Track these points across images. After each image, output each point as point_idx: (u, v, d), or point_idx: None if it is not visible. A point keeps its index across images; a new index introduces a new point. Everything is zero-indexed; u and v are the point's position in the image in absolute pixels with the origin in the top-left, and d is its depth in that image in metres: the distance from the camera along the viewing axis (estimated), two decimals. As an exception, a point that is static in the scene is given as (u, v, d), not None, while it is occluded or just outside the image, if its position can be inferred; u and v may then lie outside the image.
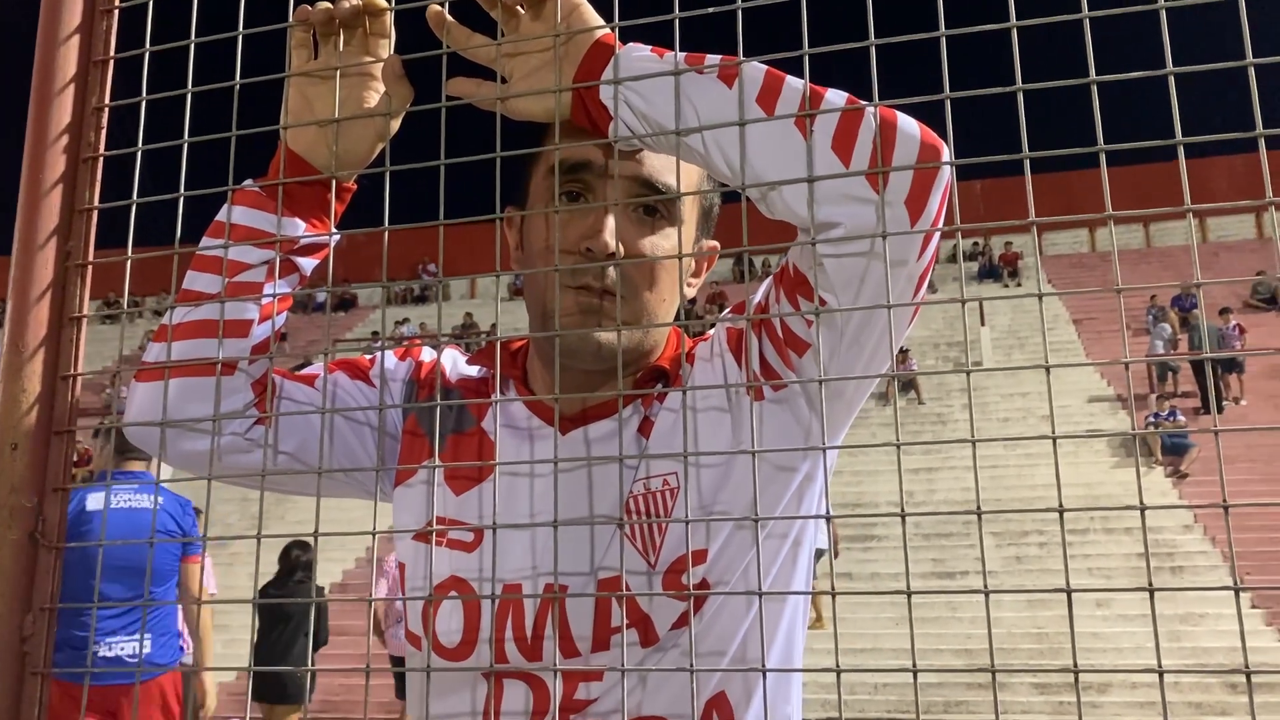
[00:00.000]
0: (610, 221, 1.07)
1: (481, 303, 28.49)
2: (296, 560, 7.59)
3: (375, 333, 24.77)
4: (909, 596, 0.81)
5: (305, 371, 1.20)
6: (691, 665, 0.79)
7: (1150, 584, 0.80)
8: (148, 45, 1.10)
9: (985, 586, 0.80)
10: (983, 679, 11.40)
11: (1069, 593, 0.85)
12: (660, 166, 1.11)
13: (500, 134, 0.94)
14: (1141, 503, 0.82)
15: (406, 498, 1.17)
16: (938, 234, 0.95)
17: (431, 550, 1.12)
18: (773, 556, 1.08)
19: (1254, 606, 12.17)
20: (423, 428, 1.19)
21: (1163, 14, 0.85)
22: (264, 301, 1.08)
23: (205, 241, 1.10)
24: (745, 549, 1.07)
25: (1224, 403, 17.64)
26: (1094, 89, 0.85)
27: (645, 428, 1.12)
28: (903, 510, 0.82)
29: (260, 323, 1.09)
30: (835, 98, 0.93)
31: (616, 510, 1.07)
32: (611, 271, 1.07)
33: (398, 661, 8.37)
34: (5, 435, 1.01)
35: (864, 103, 0.90)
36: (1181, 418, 16.88)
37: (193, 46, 1.09)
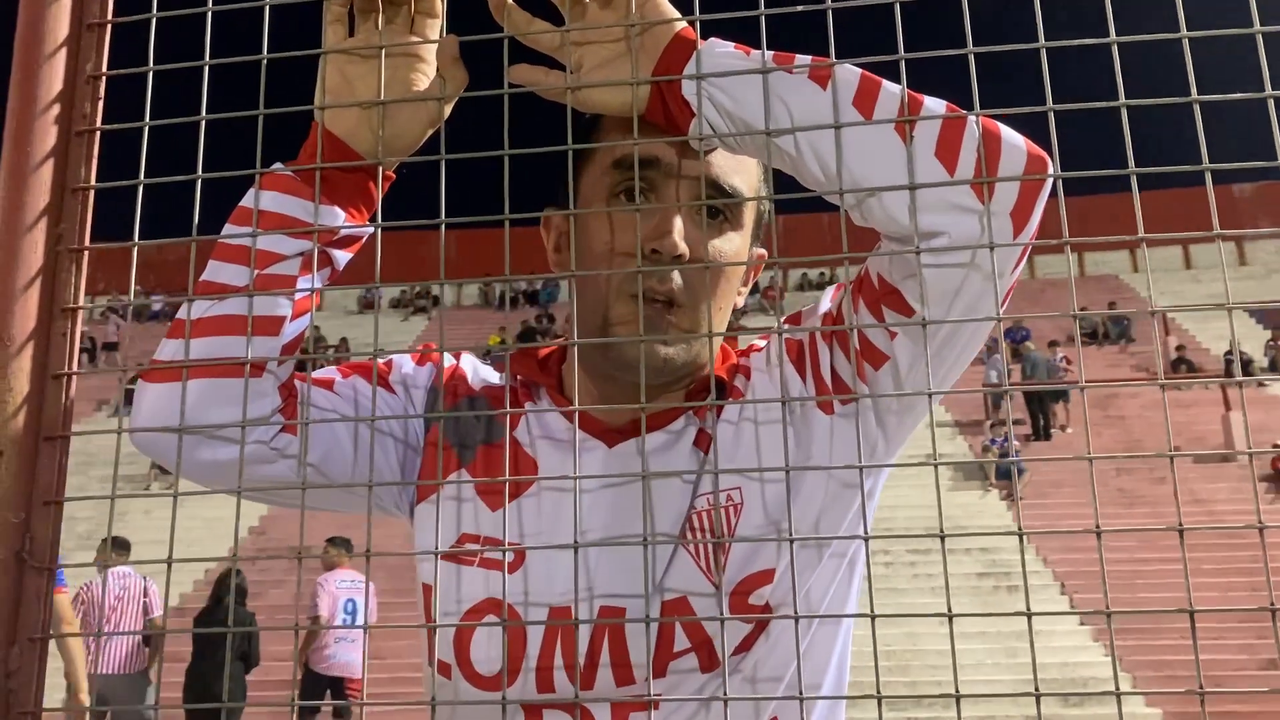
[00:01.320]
0: (679, 222, 1.01)
1: (329, 315, 27.65)
2: (230, 586, 7.62)
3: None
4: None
5: (319, 375, 1.10)
6: (799, 691, 0.74)
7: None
8: (154, 11, 1.00)
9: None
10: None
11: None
12: (728, 167, 1.06)
13: (533, 128, 0.88)
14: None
15: (431, 514, 1.08)
16: (1030, 248, 0.94)
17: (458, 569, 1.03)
18: (831, 576, 1.05)
19: (1082, 623, 12.87)
20: (449, 438, 1.10)
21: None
22: (297, 296, 0.98)
23: (229, 228, 0.99)
24: (808, 569, 1.03)
25: (1053, 430, 18.67)
26: (1197, 108, 0.86)
27: (702, 440, 1.06)
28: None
29: (293, 319, 0.99)
30: (935, 104, 0.91)
31: (676, 528, 1.02)
32: (677, 276, 1.02)
33: (326, 682, 8.14)
34: (-10, 441, 0.89)
35: (965, 111, 0.88)
36: (1016, 444, 17.76)
37: (209, 15, 0.99)
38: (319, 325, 25.09)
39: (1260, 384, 20.03)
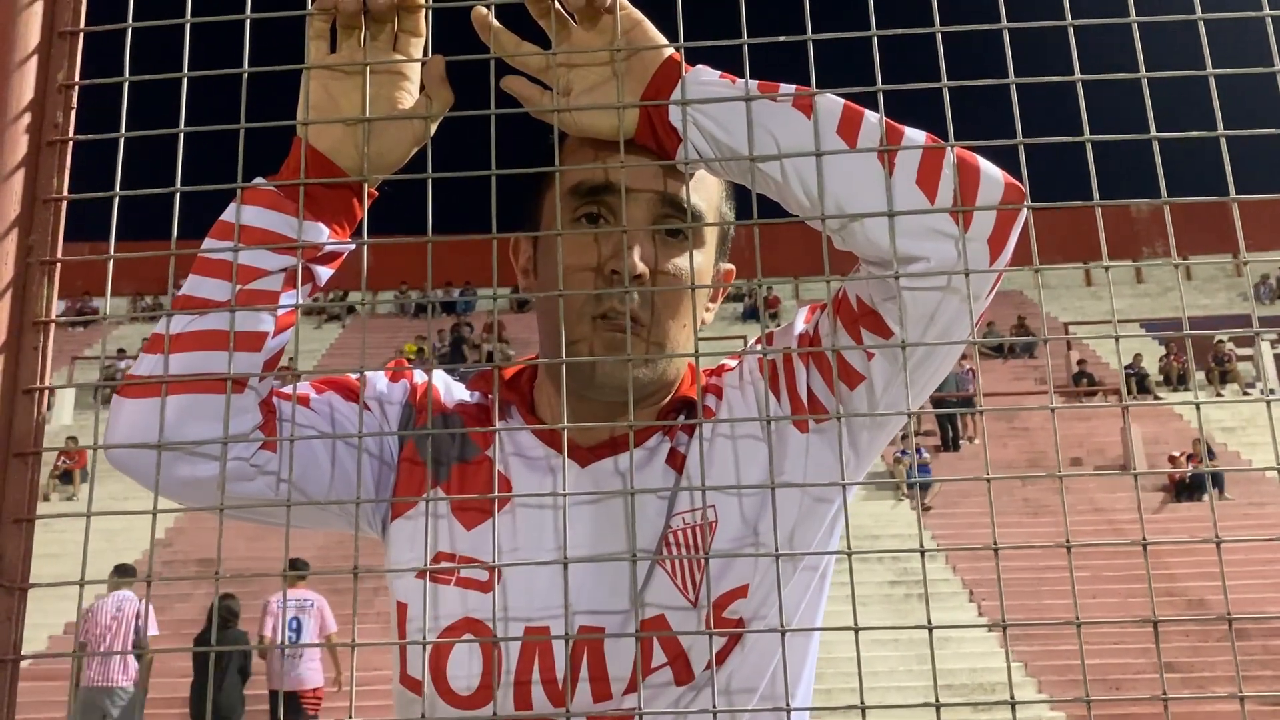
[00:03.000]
0: (636, 244, 1.03)
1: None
2: (225, 610, 8.51)
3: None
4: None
5: (295, 392, 1.09)
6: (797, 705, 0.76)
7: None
8: (130, 19, 0.98)
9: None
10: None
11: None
12: (688, 186, 1.08)
13: (501, 151, 0.89)
14: (921, 545, 0.87)
15: (406, 531, 1.08)
16: (1003, 274, 0.98)
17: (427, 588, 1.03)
18: (804, 590, 1.07)
19: (990, 630, 13.20)
20: (422, 455, 1.10)
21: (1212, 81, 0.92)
22: (280, 312, 0.97)
23: (210, 243, 0.98)
24: (784, 582, 1.05)
25: (961, 440, 19.14)
26: (1155, 144, 0.91)
27: (675, 459, 1.08)
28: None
29: (275, 335, 0.98)
30: (915, 135, 0.94)
31: (653, 545, 1.03)
32: (637, 296, 1.03)
33: (285, 698, 8.73)
34: (-39, 458, 0.87)
35: (944, 142, 0.92)
36: (926, 454, 18.17)
37: (188, 27, 0.98)
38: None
39: (1157, 398, 20.83)
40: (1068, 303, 27.92)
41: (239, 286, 0.95)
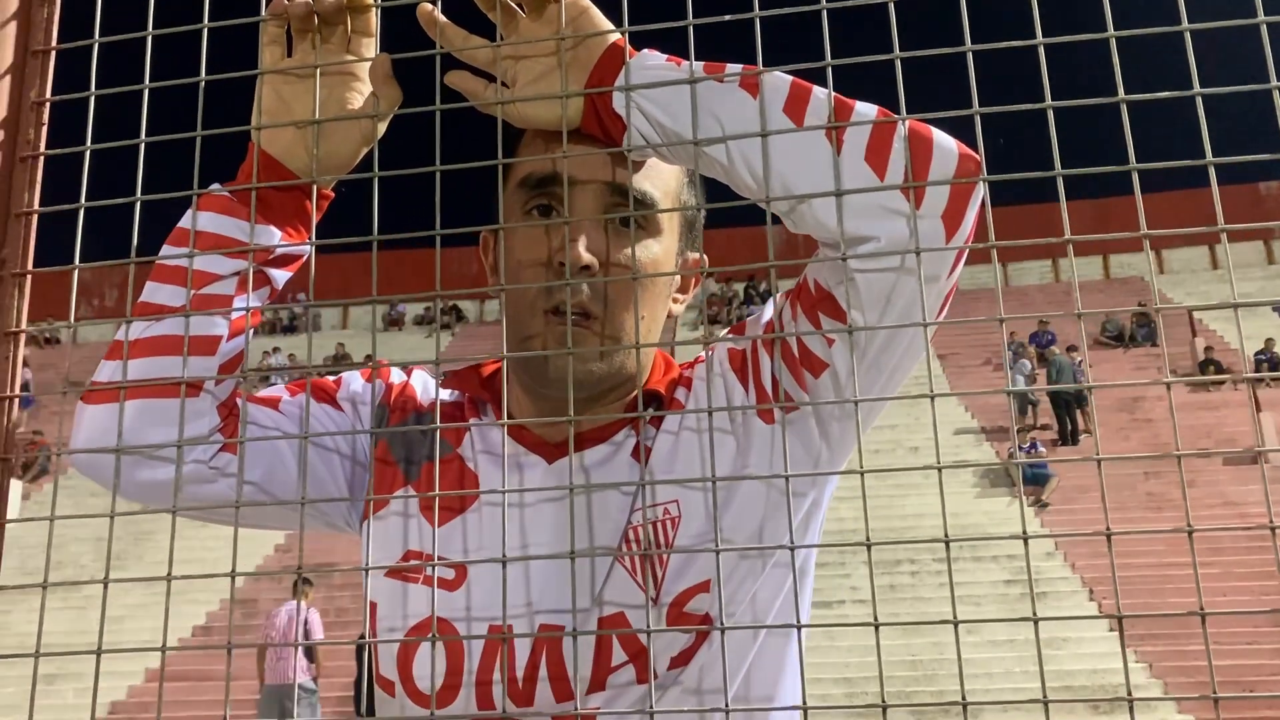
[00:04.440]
0: (583, 234, 1.01)
1: (354, 333, 27.83)
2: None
3: (267, 365, 23.81)
4: (955, 625, 0.79)
5: (266, 394, 1.10)
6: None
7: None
8: (96, 36, 1.01)
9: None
10: (851, 713, 11.57)
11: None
12: (638, 174, 1.05)
13: (474, 145, 0.88)
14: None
15: (378, 530, 1.08)
16: (966, 252, 0.93)
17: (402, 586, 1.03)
18: (778, 586, 1.04)
19: (1111, 630, 12.72)
20: (394, 455, 1.11)
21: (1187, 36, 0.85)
22: (234, 316, 0.99)
23: (167, 249, 1.00)
24: (750, 579, 1.02)
25: (1080, 435, 18.50)
26: (1123, 108, 0.85)
27: (641, 453, 1.06)
28: (946, 538, 0.79)
29: (229, 339, 0.99)
30: (866, 109, 0.90)
31: (614, 541, 1.01)
32: (586, 288, 1.01)
33: (276, 690, 9.18)
34: (-68, 464, 0.90)
35: (896, 115, 0.88)
36: (1042, 449, 17.61)
37: (149, 40, 1.00)
38: (344, 343, 25.25)
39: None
40: (1192, 287, 26.70)
41: (193, 291, 0.96)
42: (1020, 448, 17.66)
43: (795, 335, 0.97)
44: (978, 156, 0.89)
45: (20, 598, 14.18)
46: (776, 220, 0.99)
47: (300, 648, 7.99)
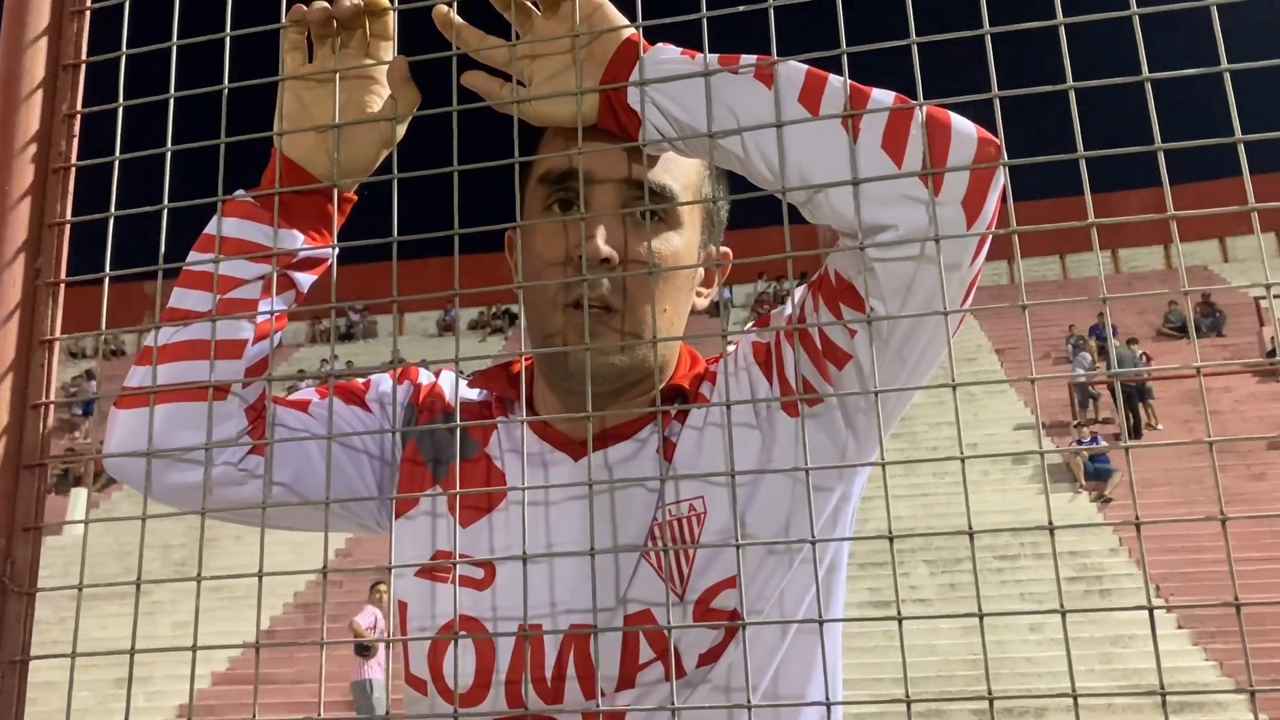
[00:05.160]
0: (602, 228, 1.01)
1: (410, 339, 28.12)
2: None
3: (301, 370, 24.22)
4: (981, 618, 0.77)
5: (296, 397, 1.12)
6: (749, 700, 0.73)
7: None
8: (124, 49, 1.03)
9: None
10: (920, 709, 11.45)
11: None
12: (656, 167, 1.05)
13: (498, 145, 0.88)
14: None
15: (407, 531, 1.09)
16: (989, 239, 0.91)
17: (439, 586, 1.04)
18: (806, 584, 1.03)
19: (1180, 627, 12.43)
20: (423, 455, 1.11)
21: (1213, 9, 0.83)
22: (259, 319, 1.00)
23: (193, 256, 1.02)
24: (777, 575, 1.01)
25: (1143, 429, 18.11)
26: (1147, 86, 0.83)
27: (667, 449, 1.06)
28: (970, 527, 0.78)
29: (255, 342, 1.01)
30: (883, 96, 0.89)
31: (641, 539, 1.01)
32: (606, 282, 1.01)
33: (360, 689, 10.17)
34: (-30, 470, 0.92)
35: (913, 101, 0.86)
36: (1103, 442, 17.27)
37: (174, 50, 1.02)
38: (399, 349, 25.52)
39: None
40: (1258, 275, 26.00)
41: (218, 296, 0.98)
42: (1079, 441, 17.31)
43: (817, 326, 0.96)
44: (998, 141, 0.87)
45: (89, 604, 14.53)
46: (798, 219, 0.98)
47: (370, 646, 8.63)
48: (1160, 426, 18.21)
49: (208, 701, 12.73)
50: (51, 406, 0.98)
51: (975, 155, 0.87)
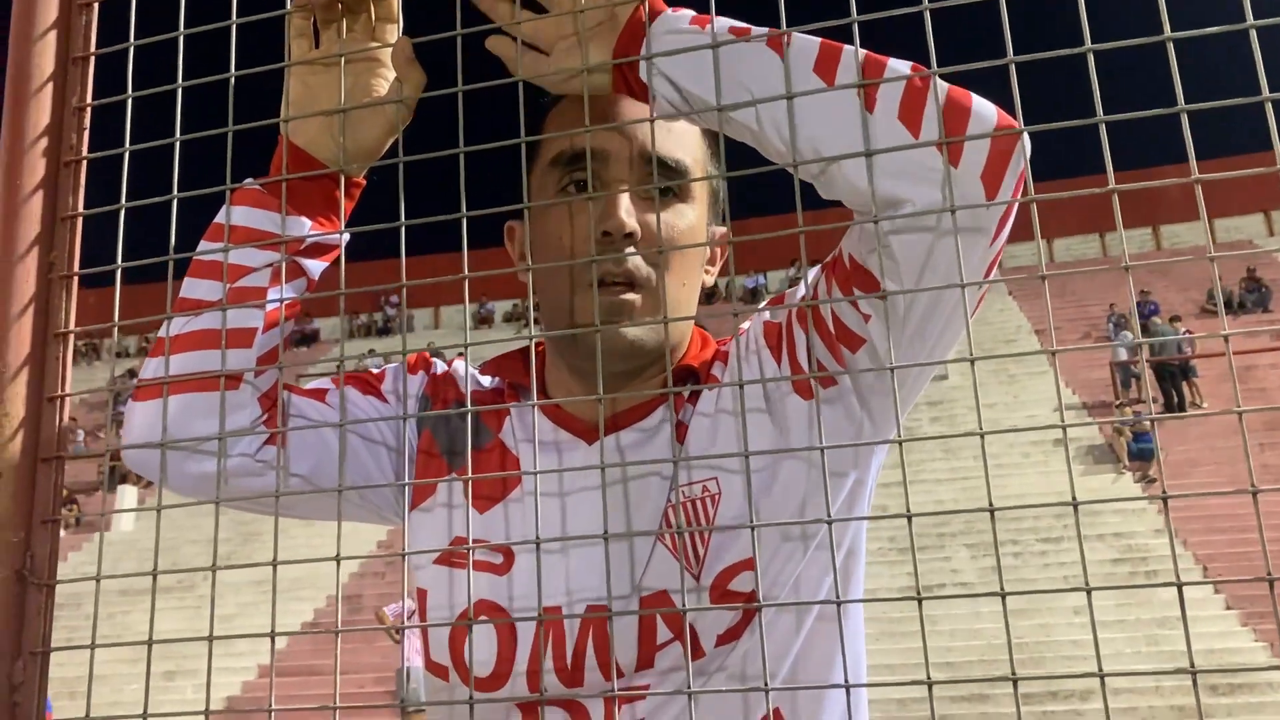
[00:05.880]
0: (625, 201, 0.99)
1: (446, 333, 28.29)
2: None
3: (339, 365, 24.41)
4: (1003, 599, 0.75)
5: (313, 386, 1.11)
6: (766, 683, 0.71)
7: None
8: (132, 40, 1.02)
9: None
10: (964, 690, 11.37)
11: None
12: (666, 142, 1.03)
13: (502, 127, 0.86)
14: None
15: (424, 521, 1.08)
16: (1011, 218, 0.88)
17: (460, 572, 1.03)
18: (823, 571, 1.01)
19: (1229, 608, 12.25)
20: (439, 447, 1.11)
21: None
22: (269, 308, 0.99)
23: (203, 245, 1.02)
24: (793, 560, 0.99)
25: (1187, 407, 17.83)
26: (1169, 46, 0.80)
27: (679, 432, 1.04)
28: (991, 506, 0.76)
29: (265, 331, 1.00)
30: (899, 66, 0.87)
31: (655, 523, 1.00)
32: (630, 256, 1.00)
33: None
34: (-12, 464, 0.93)
35: (929, 70, 0.84)
36: (1146, 423, 17.02)
37: (181, 40, 1.01)
38: (434, 342, 25.69)
39: None
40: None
41: (227, 285, 0.97)
42: (1123, 421, 17.07)
43: (829, 303, 0.93)
44: (1017, 124, 0.84)
45: (139, 599, 14.78)
46: (816, 203, 0.96)
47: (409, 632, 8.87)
48: (1205, 405, 17.92)
49: (254, 694, 12.92)
50: (80, 402, 0.98)
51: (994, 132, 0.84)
